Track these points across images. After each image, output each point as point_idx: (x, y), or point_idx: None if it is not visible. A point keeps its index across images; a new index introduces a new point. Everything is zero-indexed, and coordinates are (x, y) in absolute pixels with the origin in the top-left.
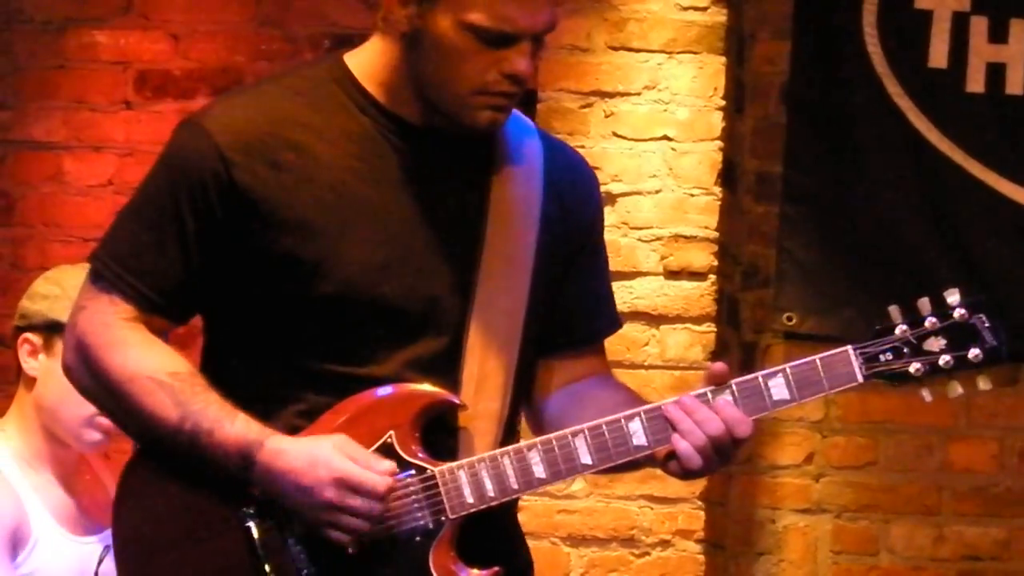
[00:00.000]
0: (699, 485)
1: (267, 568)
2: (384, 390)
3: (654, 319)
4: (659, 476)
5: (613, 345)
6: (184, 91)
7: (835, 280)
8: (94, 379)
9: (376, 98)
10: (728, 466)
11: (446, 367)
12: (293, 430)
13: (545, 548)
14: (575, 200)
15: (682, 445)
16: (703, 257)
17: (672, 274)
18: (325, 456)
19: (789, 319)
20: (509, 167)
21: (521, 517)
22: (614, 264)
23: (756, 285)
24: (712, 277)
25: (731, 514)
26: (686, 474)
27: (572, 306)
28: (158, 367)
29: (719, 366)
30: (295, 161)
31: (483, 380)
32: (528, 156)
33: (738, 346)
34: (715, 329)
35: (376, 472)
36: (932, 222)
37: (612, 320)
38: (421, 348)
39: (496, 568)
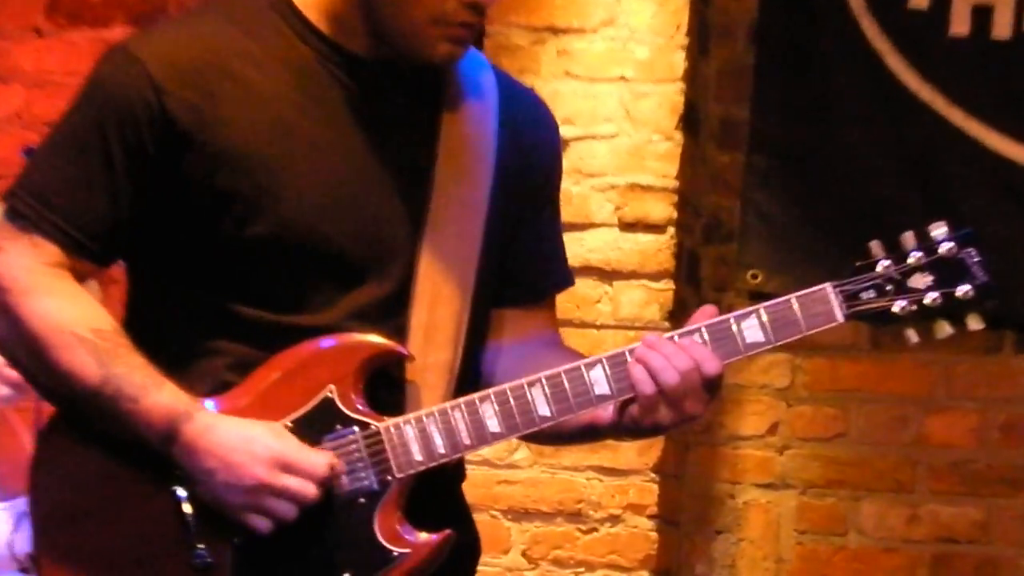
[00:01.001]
0: (653, 456)
1: (196, 536)
2: (324, 341)
3: (607, 275)
4: (610, 446)
5: (562, 302)
6: (99, 19)
7: (804, 236)
8: (9, 327)
9: (318, 27)
10: (697, 419)
11: (392, 316)
12: (224, 385)
13: (484, 522)
14: (532, 144)
15: (646, 388)
16: (661, 208)
17: (627, 226)
18: (260, 435)
19: (754, 277)
20: (462, 104)
21: None
22: (565, 214)
23: (718, 240)
24: (671, 230)
25: (687, 488)
26: (651, 427)
27: (523, 259)
28: (82, 321)
29: (711, 308)
30: (231, 91)
31: (432, 330)
32: (483, 94)
33: (698, 305)
34: (673, 287)
35: (315, 455)
36: (910, 174)
37: (564, 277)
38: (364, 295)
39: (447, 531)
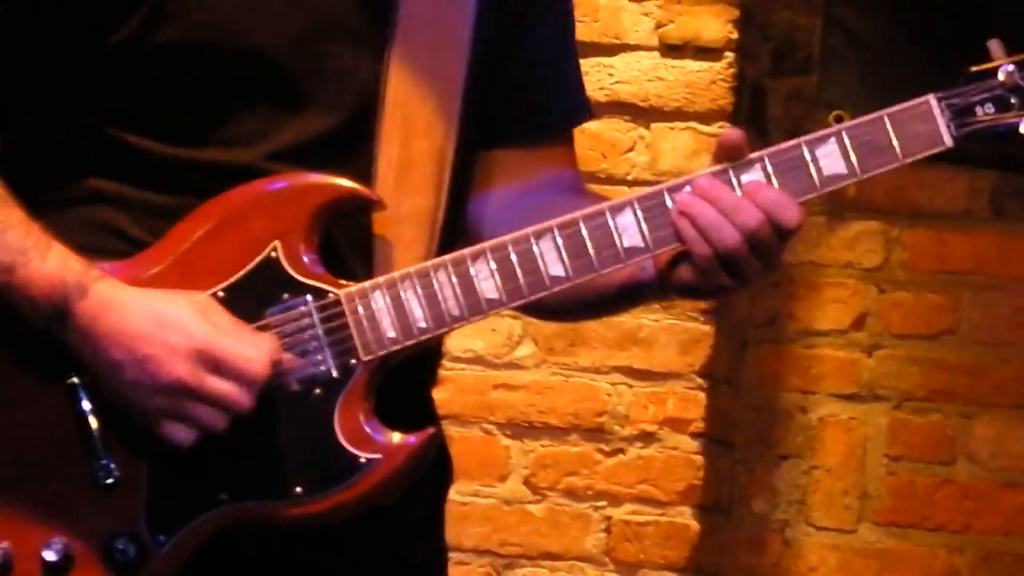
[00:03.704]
0: (699, 356)
1: (100, 444)
2: (265, 184)
3: (643, 113)
4: (641, 342)
5: (583, 150)
6: None
7: (906, 65)
8: None
9: None
10: (770, 272)
11: (351, 152)
12: (135, 245)
13: (475, 438)
14: None
15: (700, 248)
16: (716, 26)
17: (672, 50)
18: (180, 317)
19: (838, 119)
20: None
21: (440, 394)
22: (589, 33)
23: (792, 70)
24: (729, 56)
25: (744, 398)
26: (712, 291)
27: (526, 82)
28: None
29: (734, 133)
30: None
31: (406, 169)
32: None
33: None
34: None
35: (253, 347)
36: None
37: (580, 105)
38: (313, 124)
39: (429, 430)
